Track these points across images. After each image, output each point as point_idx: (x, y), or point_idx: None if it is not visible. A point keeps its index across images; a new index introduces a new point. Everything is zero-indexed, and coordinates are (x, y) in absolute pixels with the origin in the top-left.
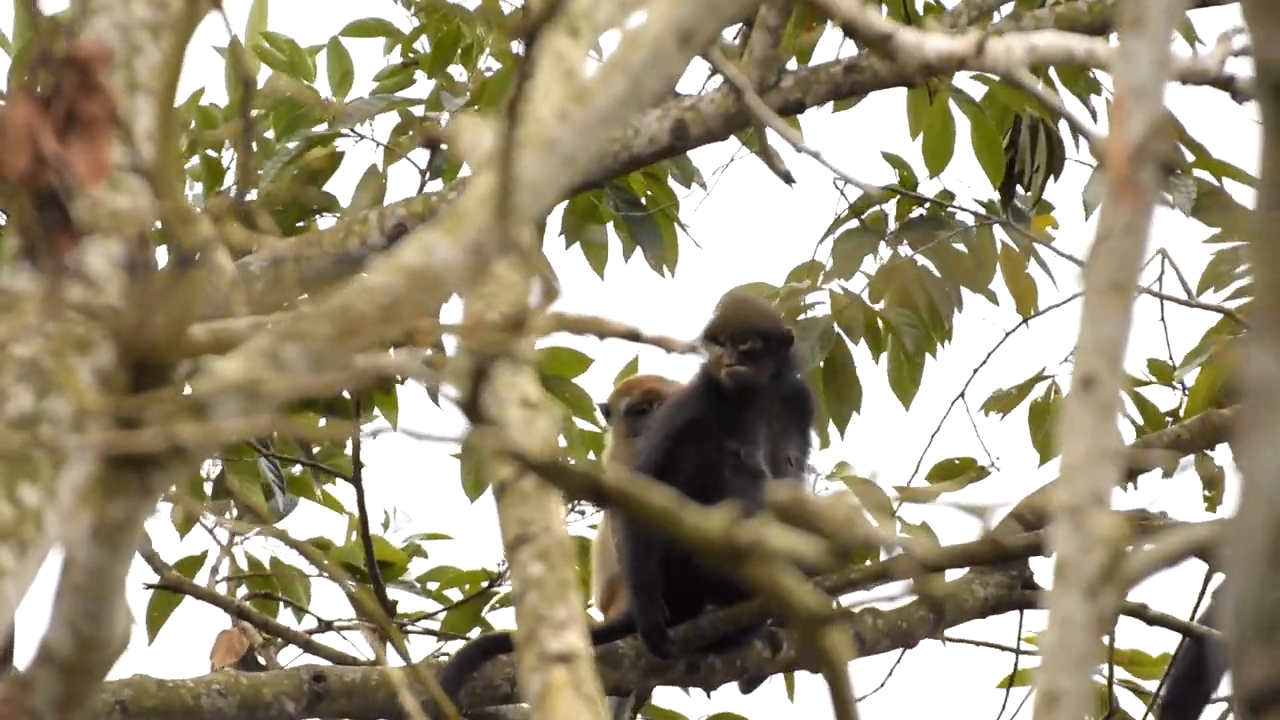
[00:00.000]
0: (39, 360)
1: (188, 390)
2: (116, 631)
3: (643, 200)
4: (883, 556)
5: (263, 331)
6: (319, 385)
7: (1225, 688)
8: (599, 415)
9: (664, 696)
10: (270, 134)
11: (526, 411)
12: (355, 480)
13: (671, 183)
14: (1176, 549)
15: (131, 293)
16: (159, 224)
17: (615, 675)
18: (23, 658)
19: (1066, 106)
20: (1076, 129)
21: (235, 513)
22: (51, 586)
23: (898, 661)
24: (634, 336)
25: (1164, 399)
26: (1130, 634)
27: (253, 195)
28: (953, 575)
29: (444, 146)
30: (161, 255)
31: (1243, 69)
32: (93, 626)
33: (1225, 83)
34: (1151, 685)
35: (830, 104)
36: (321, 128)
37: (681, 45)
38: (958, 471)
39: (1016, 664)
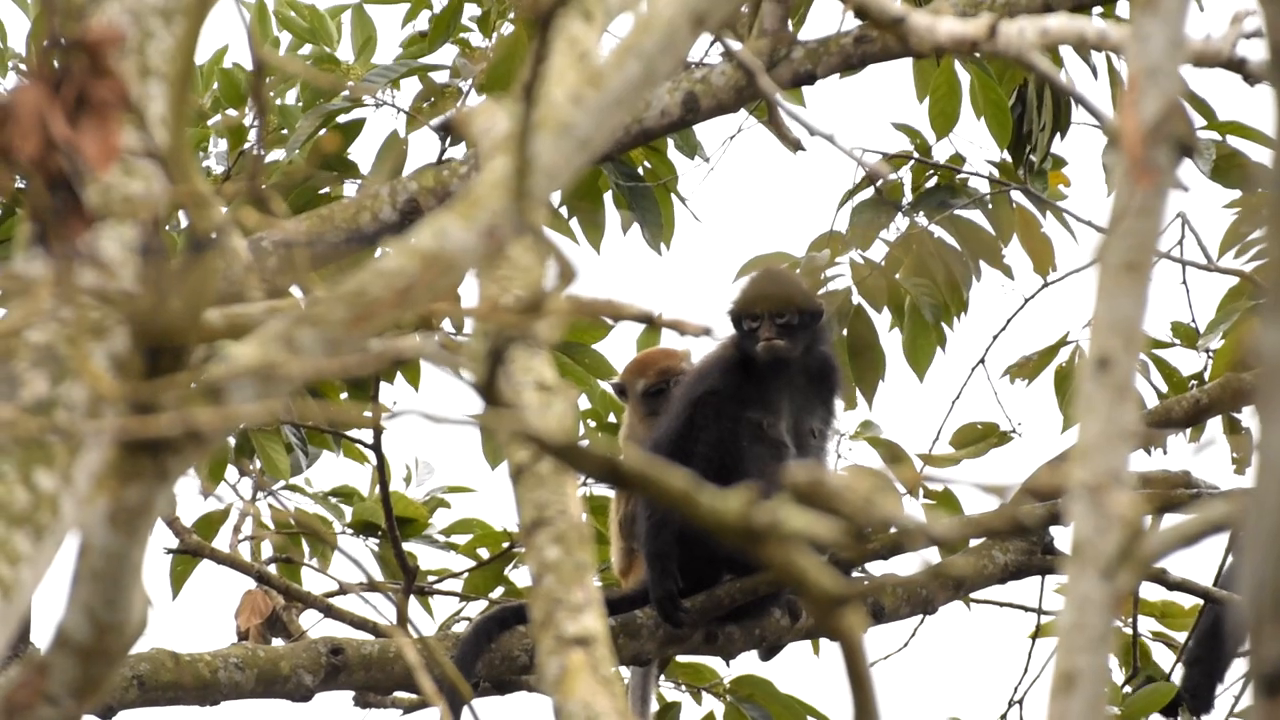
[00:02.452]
0: (54, 346)
1: (203, 375)
2: (133, 616)
3: (640, 172)
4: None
5: (278, 315)
6: (334, 369)
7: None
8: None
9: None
10: (292, 98)
11: (543, 394)
12: (376, 447)
13: (675, 154)
14: (1194, 529)
15: (146, 277)
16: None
17: (634, 645)
18: (41, 642)
19: (1071, 80)
20: (1085, 106)
21: (258, 464)
22: (68, 571)
23: (919, 625)
24: (648, 320)
25: (1188, 362)
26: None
27: (271, 164)
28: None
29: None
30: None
31: (1255, 51)
32: (109, 611)
33: (1237, 64)
34: (1183, 637)
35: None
36: (342, 95)
37: (694, 29)
38: (980, 437)
39: (1038, 625)
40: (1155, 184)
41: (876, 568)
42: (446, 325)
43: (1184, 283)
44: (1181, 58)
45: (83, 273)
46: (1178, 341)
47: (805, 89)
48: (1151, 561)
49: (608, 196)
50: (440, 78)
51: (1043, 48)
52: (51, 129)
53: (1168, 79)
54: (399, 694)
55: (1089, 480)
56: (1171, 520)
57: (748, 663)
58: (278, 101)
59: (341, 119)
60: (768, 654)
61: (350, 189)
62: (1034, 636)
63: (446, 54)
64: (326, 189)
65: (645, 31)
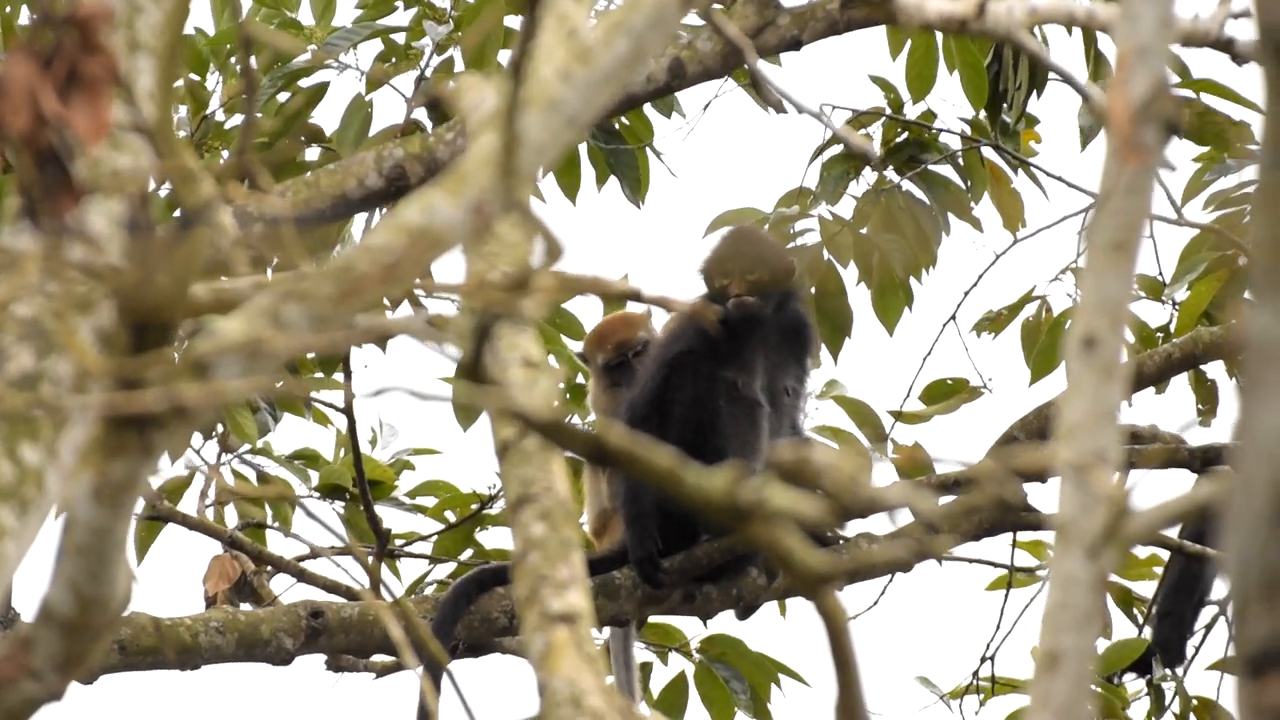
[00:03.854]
0: (40, 320)
1: (189, 349)
2: (118, 591)
3: (617, 128)
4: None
5: (264, 291)
6: (320, 345)
7: (1216, 593)
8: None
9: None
10: (253, 63)
11: (529, 371)
12: (348, 413)
13: (651, 112)
14: (1179, 509)
15: (133, 252)
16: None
17: (613, 606)
18: (25, 616)
19: (1044, 50)
20: (1074, 87)
21: (222, 429)
22: (52, 546)
23: (888, 583)
24: (635, 297)
25: (1153, 314)
26: None
27: (233, 130)
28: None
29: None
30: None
31: (1243, 31)
32: (94, 586)
33: (1225, 44)
34: (1140, 587)
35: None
36: (303, 58)
37: (683, 5)
38: (950, 392)
39: (1010, 581)
40: (1143, 163)
41: (852, 527)
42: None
43: (1150, 236)
44: (1171, 37)
45: (70, 247)
46: (1143, 294)
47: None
48: (1137, 541)
49: (583, 149)
50: (400, 39)
51: (1031, 26)
52: (42, 104)
53: (1157, 58)
54: (378, 657)
55: (1075, 460)
56: (1144, 478)
57: (718, 622)
58: (238, 67)
59: (304, 82)
60: (744, 613)
61: (312, 153)
62: (1006, 588)
63: (404, 15)
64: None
65: (634, 8)
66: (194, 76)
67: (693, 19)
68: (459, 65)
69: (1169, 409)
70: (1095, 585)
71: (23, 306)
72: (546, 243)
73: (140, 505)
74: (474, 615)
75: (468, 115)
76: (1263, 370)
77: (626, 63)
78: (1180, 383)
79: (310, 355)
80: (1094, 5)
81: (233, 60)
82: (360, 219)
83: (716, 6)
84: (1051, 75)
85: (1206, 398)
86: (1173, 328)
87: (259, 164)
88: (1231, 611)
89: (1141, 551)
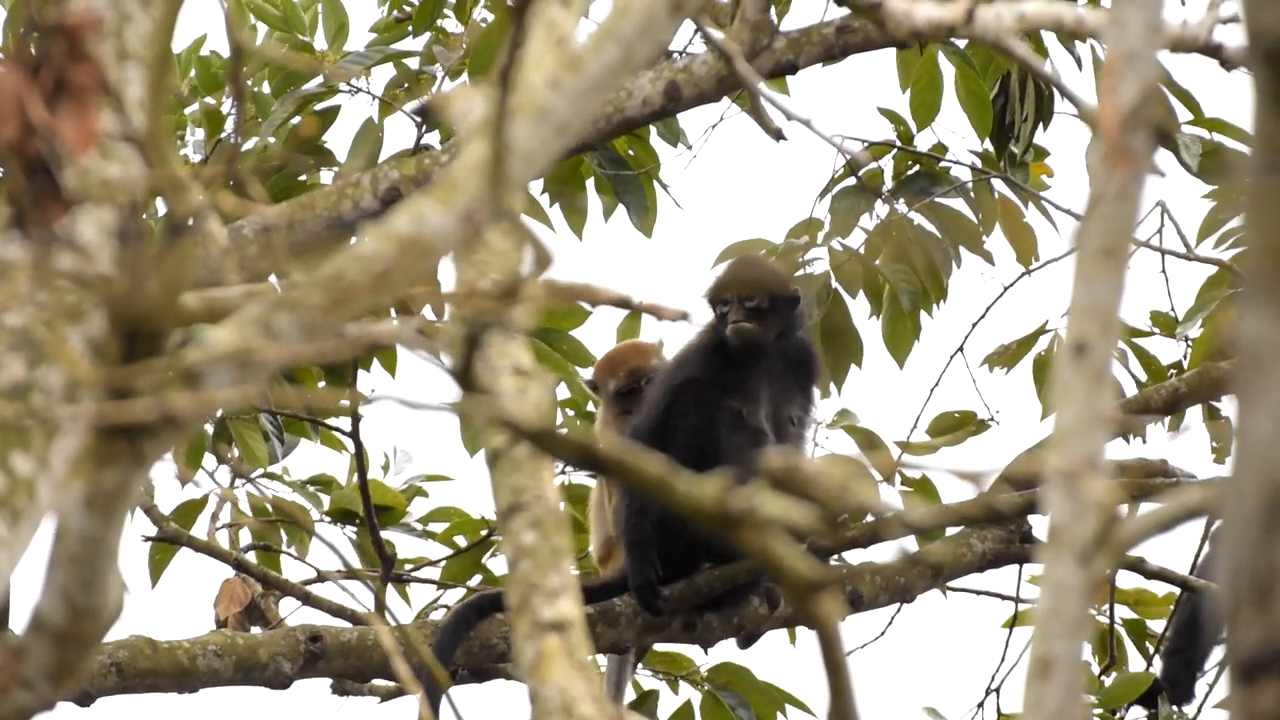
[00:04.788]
0: (31, 329)
1: (180, 359)
2: (109, 600)
3: (624, 159)
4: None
5: (255, 300)
6: (311, 354)
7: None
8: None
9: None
10: (266, 88)
11: (519, 379)
12: (354, 434)
13: (658, 142)
14: (1170, 514)
15: (123, 261)
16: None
17: (613, 633)
18: (18, 625)
19: (1055, 70)
20: (1064, 94)
21: (236, 453)
22: (44, 555)
23: (896, 613)
24: (625, 304)
25: (1167, 351)
26: (1135, 575)
27: (246, 152)
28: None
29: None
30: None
31: (1231, 36)
32: (85, 595)
33: (1214, 50)
34: (1156, 625)
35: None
36: (316, 82)
37: (673, 13)
38: (957, 425)
39: (1016, 613)
40: (1132, 169)
41: (855, 556)
42: (425, 310)
43: (1163, 271)
44: (1159, 43)
45: (60, 256)
46: (1156, 330)
47: (789, 79)
48: (1128, 547)
49: (590, 183)
50: (414, 64)
51: (1021, 33)
52: (30, 113)
53: (1145, 64)
54: (377, 681)
55: (1065, 466)
56: (1149, 508)
57: (725, 651)
58: (254, 89)
59: (317, 106)
60: (746, 642)
61: (327, 176)
62: (1010, 625)
63: (419, 39)
64: (304, 176)
65: (623, 16)
66: (210, 100)
67: (688, 45)
68: None
69: (1185, 448)
70: (1086, 591)
71: (13, 316)
72: (536, 250)
73: (153, 530)
74: (473, 641)
75: (458, 124)
76: (1254, 374)
77: (616, 70)
78: (1195, 419)
79: (321, 385)
80: (1083, 11)
81: (249, 82)
82: None
83: (715, 35)
84: (1059, 109)
85: (1219, 435)
86: (1185, 364)
87: (250, 174)
88: (1224, 616)
89: (1159, 589)
